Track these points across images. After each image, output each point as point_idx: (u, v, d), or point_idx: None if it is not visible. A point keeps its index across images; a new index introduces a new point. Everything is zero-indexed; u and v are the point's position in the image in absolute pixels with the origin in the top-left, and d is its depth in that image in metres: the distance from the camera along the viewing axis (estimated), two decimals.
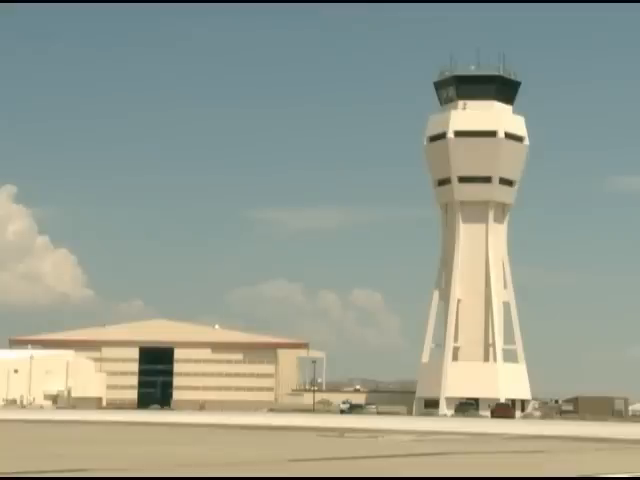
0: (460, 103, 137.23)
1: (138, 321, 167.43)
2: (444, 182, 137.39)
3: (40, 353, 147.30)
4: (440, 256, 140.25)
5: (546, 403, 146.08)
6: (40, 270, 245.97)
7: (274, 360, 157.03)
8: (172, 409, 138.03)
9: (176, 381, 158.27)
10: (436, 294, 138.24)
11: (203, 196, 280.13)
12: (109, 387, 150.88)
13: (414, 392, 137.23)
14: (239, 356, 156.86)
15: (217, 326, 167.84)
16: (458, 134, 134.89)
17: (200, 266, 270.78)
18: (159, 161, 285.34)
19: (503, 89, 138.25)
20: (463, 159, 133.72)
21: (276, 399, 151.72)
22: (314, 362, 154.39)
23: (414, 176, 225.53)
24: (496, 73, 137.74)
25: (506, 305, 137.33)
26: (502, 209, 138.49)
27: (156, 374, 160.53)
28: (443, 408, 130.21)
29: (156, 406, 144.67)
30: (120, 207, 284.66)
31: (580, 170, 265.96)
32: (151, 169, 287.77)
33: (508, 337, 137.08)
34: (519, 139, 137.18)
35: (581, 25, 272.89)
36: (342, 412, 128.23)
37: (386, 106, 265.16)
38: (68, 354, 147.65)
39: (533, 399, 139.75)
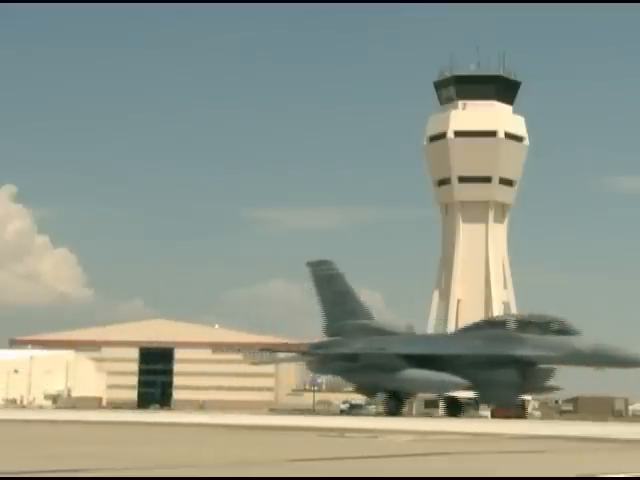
0: (460, 103, 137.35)
1: (138, 321, 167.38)
2: (444, 182, 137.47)
3: (40, 353, 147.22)
4: (440, 256, 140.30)
5: (546, 403, 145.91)
6: (40, 270, 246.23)
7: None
8: (172, 409, 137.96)
9: (176, 381, 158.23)
10: (436, 294, 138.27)
11: (203, 196, 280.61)
12: (109, 387, 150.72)
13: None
14: (239, 356, 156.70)
15: (217, 326, 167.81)
16: (458, 134, 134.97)
17: (200, 266, 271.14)
18: (159, 161, 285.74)
19: (503, 89, 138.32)
20: (463, 159, 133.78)
21: (276, 399, 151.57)
22: None
23: (414, 176, 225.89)
24: (496, 73, 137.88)
25: (506, 305, 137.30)
26: (502, 209, 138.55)
27: (156, 374, 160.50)
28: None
29: (156, 406, 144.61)
30: (120, 207, 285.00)
31: (580, 170, 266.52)
32: (151, 169, 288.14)
33: None
34: (519, 139, 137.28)
35: (581, 25, 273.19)
36: (342, 412, 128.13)
37: (386, 106, 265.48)
38: (68, 354, 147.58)
39: (533, 399, 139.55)
